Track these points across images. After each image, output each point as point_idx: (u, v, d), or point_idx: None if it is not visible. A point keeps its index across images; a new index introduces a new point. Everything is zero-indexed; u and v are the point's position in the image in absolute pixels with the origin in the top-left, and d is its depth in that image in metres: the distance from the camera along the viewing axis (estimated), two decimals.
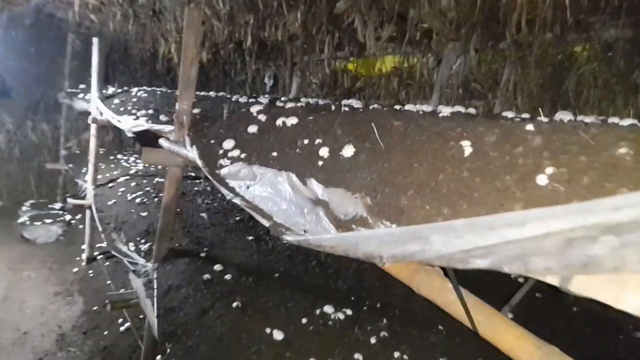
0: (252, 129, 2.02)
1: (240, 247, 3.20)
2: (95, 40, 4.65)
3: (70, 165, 6.70)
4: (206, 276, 2.86)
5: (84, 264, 5.06)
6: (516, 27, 3.30)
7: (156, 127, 3.10)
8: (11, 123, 7.77)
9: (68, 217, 6.60)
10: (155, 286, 2.63)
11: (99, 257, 5.03)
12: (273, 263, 3.15)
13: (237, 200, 1.66)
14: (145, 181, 4.75)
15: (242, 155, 1.87)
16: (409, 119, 1.58)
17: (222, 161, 1.93)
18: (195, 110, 2.79)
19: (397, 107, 2.19)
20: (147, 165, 6.00)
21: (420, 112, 1.80)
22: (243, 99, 3.00)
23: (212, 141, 2.18)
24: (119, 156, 6.61)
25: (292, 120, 1.93)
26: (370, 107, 2.15)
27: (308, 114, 1.96)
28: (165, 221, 2.85)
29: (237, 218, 3.83)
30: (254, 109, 2.23)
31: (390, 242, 1.16)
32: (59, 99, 7.29)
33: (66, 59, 7.57)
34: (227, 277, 2.88)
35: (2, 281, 4.89)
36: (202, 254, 3.16)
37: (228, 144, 1.99)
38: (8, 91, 7.67)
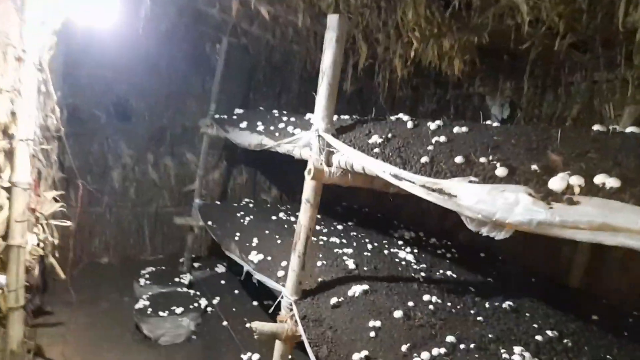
0: None
1: None
2: (331, 21, 2.41)
3: (210, 222, 4.60)
4: None
5: None
6: None
7: None
8: (129, 156, 5.93)
9: (203, 302, 4.42)
10: None
11: None
12: None
13: None
14: (421, 308, 2.31)
15: None
16: None
17: None
18: None
19: None
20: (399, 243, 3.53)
21: None
22: None
23: None
24: (281, 216, 4.40)
25: None
26: None
27: None
28: None
29: None
30: None
31: None
32: (200, 127, 5.33)
33: (210, 77, 5.72)
34: None
35: None
36: None
37: None
38: (129, 115, 5.87)
